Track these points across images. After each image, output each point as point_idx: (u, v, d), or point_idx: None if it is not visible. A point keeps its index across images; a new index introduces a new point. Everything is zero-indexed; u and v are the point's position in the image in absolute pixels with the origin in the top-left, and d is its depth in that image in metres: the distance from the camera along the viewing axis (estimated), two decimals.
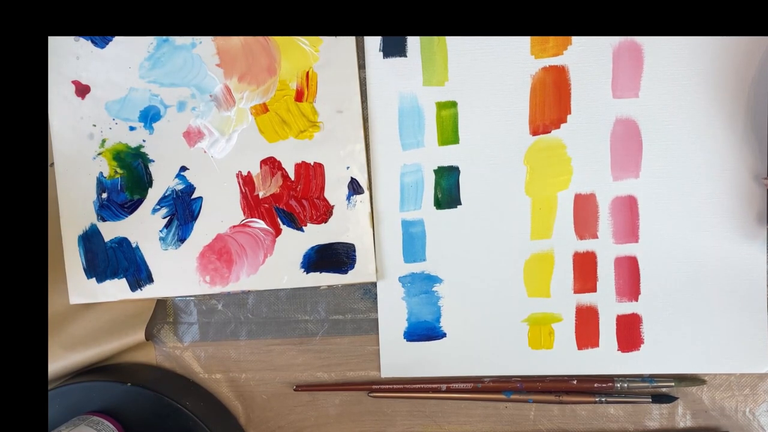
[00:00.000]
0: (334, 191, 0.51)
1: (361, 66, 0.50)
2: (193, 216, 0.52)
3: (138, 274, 0.52)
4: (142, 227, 0.52)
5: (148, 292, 0.52)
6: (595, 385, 0.50)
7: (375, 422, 0.53)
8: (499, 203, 0.50)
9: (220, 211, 0.52)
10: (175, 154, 0.52)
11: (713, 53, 0.47)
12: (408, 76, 0.50)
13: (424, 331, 0.51)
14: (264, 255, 0.51)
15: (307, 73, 0.50)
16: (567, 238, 0.49)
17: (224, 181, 0.51)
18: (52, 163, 0.53)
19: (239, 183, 0.51)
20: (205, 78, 0.51)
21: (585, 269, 0.50)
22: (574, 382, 0.50)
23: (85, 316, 0.53)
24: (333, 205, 0.51)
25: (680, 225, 0.48)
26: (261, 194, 0.51)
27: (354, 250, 0.51)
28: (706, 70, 0.47)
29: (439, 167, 0.50)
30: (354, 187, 0.51)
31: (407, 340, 0.51)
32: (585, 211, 0.49)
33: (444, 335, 0.51)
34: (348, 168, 0.51)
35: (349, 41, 0.50)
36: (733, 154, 0.47)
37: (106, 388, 0.50)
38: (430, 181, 0.50)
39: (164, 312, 0.54)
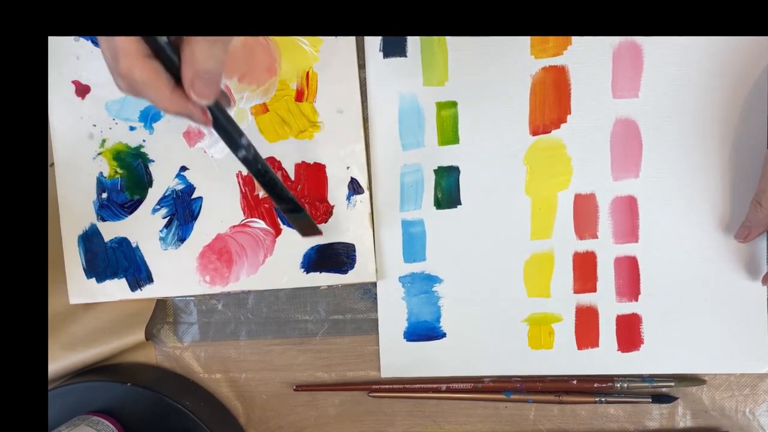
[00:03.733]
0: (334, 191, 0.51)
1: (361, 66, 0.50)
2: (193, 216, 0.52)
3: (138, 274, 0.52)
4: (142, 227, 0.52)
5: (148, 292, 0.52)
6: (595, 385, 0.50)
7: (375, 422, 0.53)
8: (499, 203, 0.50)
9: (220, 211, 0.52)
10: (175, 154, 0.52)
11: (713, 53, 0.47)
12: (408, 76, 0.50)
13: (424, 331, 0.51)
14: (264, 255, 0.51)
15: (307, 73, 0.50)
16: (567, 238, 0.49)
17: (224, 181, 0.51)
18: (52, 163, 0.53)
19: (239, 183, 0.51)
20: None
21: (585, 269, 0.50)
22: (574, 382, 0.50)
23: (85, 316, 0.53)
24: (333, 205, 0.51)
25: (680, 225, 0.48)
26: (261, 194, 0.51)
27: (354, 250, 0.51)
28: (706, 70, 0.47)
29: (439, 167, 0.50)
30: (354, 187, 0.51)
31: (407, 340, 0.51)
32: (585, 211, 0.49)
33: (444, 335, 0.51)
34: (348, 168, 0.51)
35: (349, 41, 0.50)
36: (733, 154, 0.47)
37: (106, 388, 0.50)
38: (430, 181, 0.50)
39: (164, 312, 0.54)
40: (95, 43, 0.51)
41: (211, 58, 0.34)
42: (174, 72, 0.34)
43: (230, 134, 0.38)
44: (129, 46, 0.33)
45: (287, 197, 0.44)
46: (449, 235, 0.50)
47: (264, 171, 0.41)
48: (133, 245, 0.52)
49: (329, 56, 0.50)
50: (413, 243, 0.51)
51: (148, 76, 0.33)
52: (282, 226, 0.51)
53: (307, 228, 0.48)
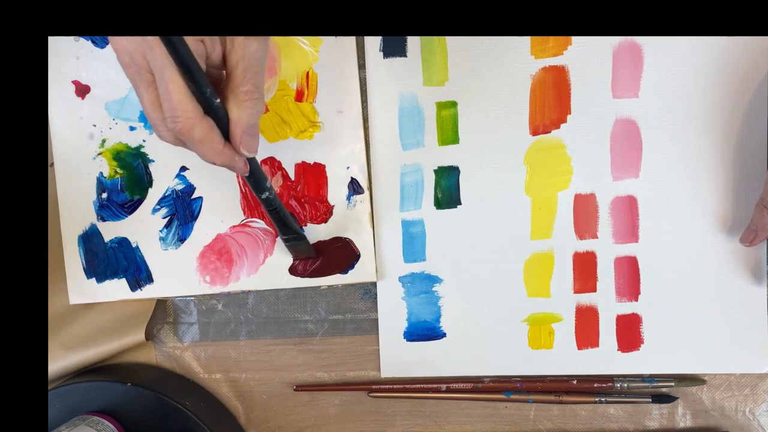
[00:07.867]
0: (334, 191, 0.51)
1: (361, 66, 0.50)
2: (193, 216, 0.52)
3: (138, 274, 0.52)
4: (142, 227, 0.52)
5: (148, 292, 0.52)
6: (595, 385, 0.50)
7: (375, 422, 0.53)
8: (499, 203, 0.50)
9: (220, 211, 0.52)
10: (176, 154, 0.52)
11: (713, 53, 0.47)
12: (408, 76, 0.50)
13: (424, 331, 0.51)
14: (264, 255, 0.51)
15: (307, 73, 0.50)
16: (567, 238, 0.49)
17: (224, 181, 0.51)
18: (52, 163, 0.53)
19: (239, 183, 0.51)
20: None
21: (585, 269, 0.50)
22: (574, 382, 0.50)
23: (85, 316, 0.53)
24: (333, 205, 0.51)
25: (680, 225, 0.48)
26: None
27: None
28: (706, 70, 0.47)
29: (439, 167, 0.50)
30: (354, 187, 0.51)
31: (407, 340, 0.51)
32: (585, 211, 0.49)
33: (444, 335, 0.51)
34: (348, 168, 0.51)
35: (349, 41, 0.50)
36: (733, 154, 0.47)
37: (106, 388, 0.50)
38: (430, 181, 0.50)
39: (164, 312, 0.54)
40: (95, 43, 0.51)
41: (256, 114, 0.36)
42: (222, 129, 0.36)
43: (259, 180, 0.42)
44: (187, 106, 0.35)
45: (294, 229, 0.48)
46: (449, 235, 0.50)
47: (279, 210, 0.45)
48: (133, 245, 0.52)
49: (329, 56, 0.50)
50: (413, 243, 0.51)
51: (205, 134, 0.36)
52: None
53: (303, 252, 0.50)
